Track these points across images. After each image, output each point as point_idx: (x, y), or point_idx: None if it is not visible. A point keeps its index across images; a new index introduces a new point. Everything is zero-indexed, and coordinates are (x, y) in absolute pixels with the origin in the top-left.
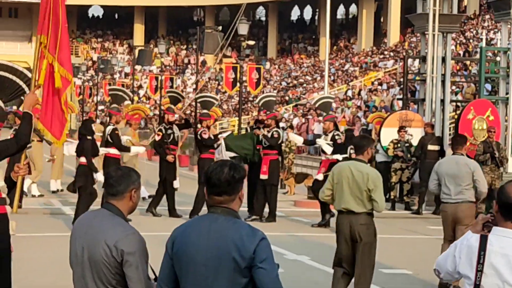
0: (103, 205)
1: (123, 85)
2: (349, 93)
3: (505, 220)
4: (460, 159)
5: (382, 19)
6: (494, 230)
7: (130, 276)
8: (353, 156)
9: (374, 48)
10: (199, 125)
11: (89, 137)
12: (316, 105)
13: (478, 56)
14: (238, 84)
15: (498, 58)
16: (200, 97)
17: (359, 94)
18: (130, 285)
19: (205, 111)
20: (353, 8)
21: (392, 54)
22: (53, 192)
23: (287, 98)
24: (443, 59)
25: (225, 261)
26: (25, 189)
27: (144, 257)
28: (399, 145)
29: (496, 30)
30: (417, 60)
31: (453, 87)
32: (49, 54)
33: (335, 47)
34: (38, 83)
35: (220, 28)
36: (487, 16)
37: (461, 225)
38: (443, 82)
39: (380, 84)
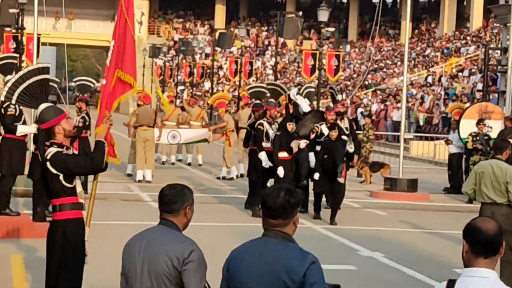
0: (160, 221)
1: (203, 67)
2: (429, 79)
3: (476, 258)
4: None
5: (465, 3)
6: (466, 272)
7: (188, 283)
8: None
9: (456, 33)
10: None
11: None
12: (303, 94)
13: None
14: (317, 71)
15: None
16: (251, 87)
17: (439, 80)
18: None
19: (258, 101)
20: None
21: (474, 39)
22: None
23: (366, 83)
24: None
25: (276, 284)
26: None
27: (202, 266)
28: (478, 137)
29: None
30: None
31: None
32: (118, 70)
33: (416, 31)
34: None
35: (300, 13)
36: None
37: None
38: None
39: (461, 70)
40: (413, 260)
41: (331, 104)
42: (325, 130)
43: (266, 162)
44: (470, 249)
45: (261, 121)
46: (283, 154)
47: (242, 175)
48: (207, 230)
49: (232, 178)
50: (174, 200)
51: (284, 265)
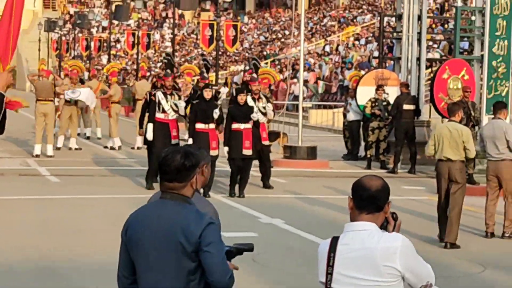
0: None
1: (100, 40)
2: (327, 48)
3: (360, 213)
4: (497, 122)
5: None
6: (347, 227)
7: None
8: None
9: (353, 2)
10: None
11: None
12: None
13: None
14: (215, 41)
15: (473, 18)
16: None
17: (336, 49)
18: None
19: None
20: None
21: (370, 8)
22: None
23: (264, 53)
24: (419, 17)
25: (173, 245)
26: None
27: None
28: (376, 103)
29: None
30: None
31: (430, 43)
32: None
33: (313, 1)
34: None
35: None
36: None
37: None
38: (419, 40)
39: (358, 39)
40: (312, 225)
41: (255, 75)
42: (249, 100)
43: (149, 134)
44: (355, 204)
45: (155, 91)
46: (199, 126)
47: (139, 148)
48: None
49: (114, 148)
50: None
51: (181, 226)
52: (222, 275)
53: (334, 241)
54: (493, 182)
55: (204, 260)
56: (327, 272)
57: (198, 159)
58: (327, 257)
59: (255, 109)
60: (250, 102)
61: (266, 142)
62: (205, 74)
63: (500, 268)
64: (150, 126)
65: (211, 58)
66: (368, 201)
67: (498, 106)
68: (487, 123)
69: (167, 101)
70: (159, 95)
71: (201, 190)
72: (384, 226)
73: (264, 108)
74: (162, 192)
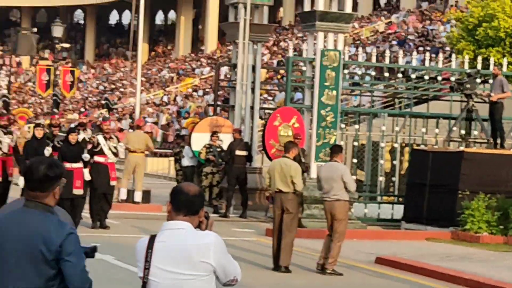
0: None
1: None
2: (165, 98)
3: (177, 215)
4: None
5: (200, 27)
6: (164, 225)
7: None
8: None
9: (192, 54)
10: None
11: None
12: None
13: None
14: (51, 86)
15: (304, 68)
16: None
17: (174, 99)
18: None
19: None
20: (172, 15)
21: (209, 61)
22: None
23: (103, 102)
24: (253, 67)
25: (33, 252)
26: None
27: None
28: (211, 149)
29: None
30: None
31: (266, 95)
32: None
33: (153, 53)
34: None
35: (35, 30)
36: (300, 28)
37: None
38: (253, 89)
39: (196, 90)
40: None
41: (107, 115)
42: (101, 140)
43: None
44: (173, 208)
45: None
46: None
47: None
48: None
49: None
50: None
51: (41, 235)
52: (82, 283)
53: (152, 238)
54: (329, 221)
55: (65, 269)
56: (145, 267)
57: (61, 170)
58: (145, 253)
59: (104, 149)
60: (102, 141)
61: (113, 182)
62: (106, 115)
63: None
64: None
65: (48, 106)
66: (186, 204)
67: (335, 150)
68: (324, 165)
69: (105, 144)
70: (100, 139)
71: None
72: (198, 226)
73: (115, 147)
74: (26, 200)
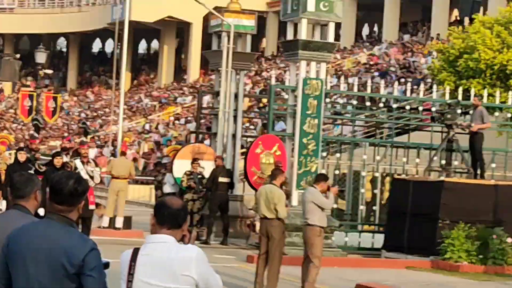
0: (13, 206)
1: None
2: (147, 126)
3: (161, 229)
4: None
5: (183, 56)
6: (148, 239)
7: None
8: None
9: (174, 83)
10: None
11: None
12: None
13: None
14: (34, 112)
15: (286, 96)
16: None
17: (156, 128)
18: None
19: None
20: (155, 44)
21: (191, 90)
22: None
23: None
24: (236, 95)
25: (55, 265)
26: None
27: None
28: (192, 176)
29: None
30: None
31: (248, 124)
32: None
33: (135, 81)
34: None
35: (18, 56)
36: (283, 57)
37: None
38: (235, 117)
39: (178, 118)
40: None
41: (84, 139)
42: (79, 164)
43: None
44: (156, 221)
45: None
46: None
47: None
48: None
49: None
50: (25, 185)
51: (64, 248)
52: None
53: (135, 251)
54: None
55: (86, 284)
56: (128, 279)
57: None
58: (128, 266)
59: (82, 173)
60: (79, 165)
61: (92, 206)
62: (84, 139)
63: None
64: None
65: (32, 131)
66: (169, 218)
67: (318, 178)
68: (306, 190)
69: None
70: (77, 163)
71: None
72: (182, 240)
73: (92, 171)
74: (49, 213)
